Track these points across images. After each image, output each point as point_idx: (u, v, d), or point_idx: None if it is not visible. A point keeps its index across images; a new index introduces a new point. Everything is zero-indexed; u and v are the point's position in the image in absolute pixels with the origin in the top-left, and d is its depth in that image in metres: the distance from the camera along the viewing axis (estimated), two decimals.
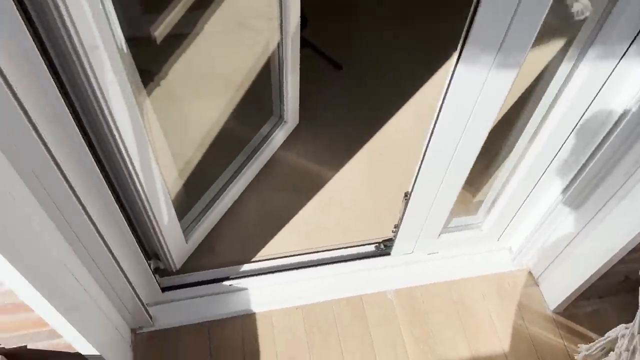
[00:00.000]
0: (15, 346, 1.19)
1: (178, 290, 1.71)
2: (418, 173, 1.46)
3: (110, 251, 1.33)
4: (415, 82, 2.30)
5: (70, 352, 1.29)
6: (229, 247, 1.81)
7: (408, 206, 1.58)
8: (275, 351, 1.67)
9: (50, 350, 1.26)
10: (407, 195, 1.57)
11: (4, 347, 1.18)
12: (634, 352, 1.10)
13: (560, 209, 1.58)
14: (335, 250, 1.82)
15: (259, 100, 1.97)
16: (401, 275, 1.82)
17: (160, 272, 1.71)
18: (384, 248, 1.83)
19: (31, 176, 1.00)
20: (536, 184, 1.59)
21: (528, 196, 1.63)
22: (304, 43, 2.32)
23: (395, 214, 1.70)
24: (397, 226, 1.72)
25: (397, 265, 1.83)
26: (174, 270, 1.73)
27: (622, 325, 1.21)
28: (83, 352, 1.28)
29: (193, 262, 1.77)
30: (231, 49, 1.83)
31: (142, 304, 1.59)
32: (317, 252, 1.81)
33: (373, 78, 2.32)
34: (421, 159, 1.41)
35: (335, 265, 1.80)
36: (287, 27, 1.70)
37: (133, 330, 1.66)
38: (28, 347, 1.21)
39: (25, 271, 0.95)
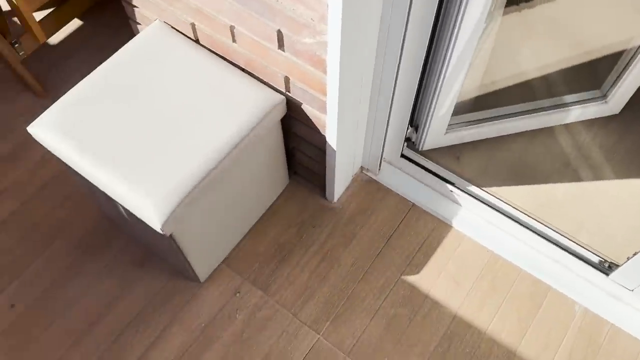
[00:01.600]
0: (296, 98, 1.51)
1: (412, 164, 1.88)
2: None
3: (392, 100, 1.55)
4: None
5: (317, 134, 1.54)
6: (471, 165, 1.89)
7: None
8: (444, 266, 1.75)
9: (311, 121, 1.54)
10: None
11: (288, 94, 1.52)
12: None
13: None
14: (559, 235, 1.74)
15: (594, 67, 1.88)
16: (604, 301, 1.66)
17: (409, 143, 1.90)
18: (606, 267, 1.68)
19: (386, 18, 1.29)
20: None
21: None
22: None
23: None
24: (634, 254, 1.54)
25: (607, 289, 1.67)
26: (419, 149, 1.90)
27: None
28: (328, 139, 1.51)
29: (436, 155, 1.90)
30: (607, 14, 1.77)
31: (382, 155, 1.82)
32: (542, 223, 1.76)
33: None
34: None
35: (549, 244, 1.73)
36: None
37: (361, 168, 1.92)
38: (302, 106, 1.52)
39: (344, 37, 1.17)
